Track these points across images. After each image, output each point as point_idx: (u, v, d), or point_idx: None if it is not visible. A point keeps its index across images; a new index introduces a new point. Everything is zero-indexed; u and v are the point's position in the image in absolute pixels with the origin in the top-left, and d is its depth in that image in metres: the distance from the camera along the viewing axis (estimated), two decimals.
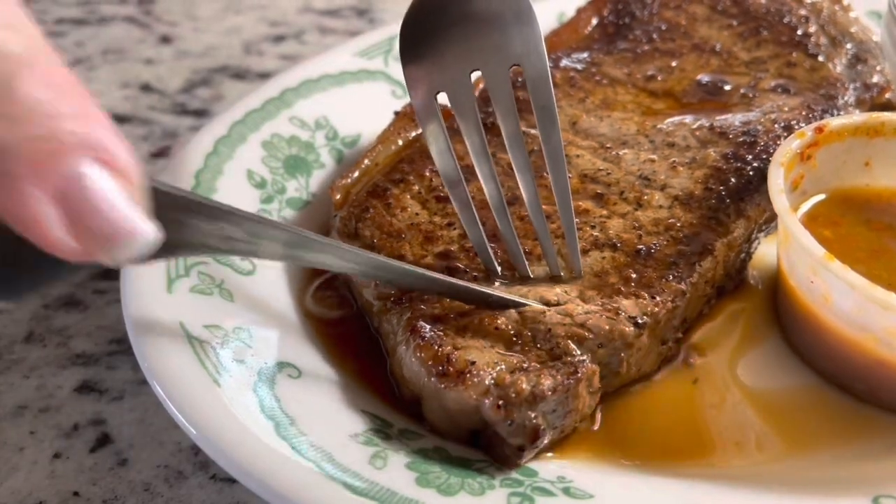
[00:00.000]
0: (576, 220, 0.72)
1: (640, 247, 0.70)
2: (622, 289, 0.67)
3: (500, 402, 0.59)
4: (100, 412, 0.73)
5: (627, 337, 0.64)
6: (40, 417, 0.73)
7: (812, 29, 0.92)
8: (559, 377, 0.60)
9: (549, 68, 0.65)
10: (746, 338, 0.74)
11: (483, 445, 0.62)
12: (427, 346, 0.62)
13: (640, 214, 0.73)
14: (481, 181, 0.67)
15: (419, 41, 0.66)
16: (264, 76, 1.21)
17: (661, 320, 0.66)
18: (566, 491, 0.59)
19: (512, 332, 0.63)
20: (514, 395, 0.59)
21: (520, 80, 0.79)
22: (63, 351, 0.79)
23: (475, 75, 0.67)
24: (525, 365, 0.61)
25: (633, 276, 0.68)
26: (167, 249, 0.50)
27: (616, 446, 0.65)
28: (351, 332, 0.72)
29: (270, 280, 0.73)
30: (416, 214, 0.74)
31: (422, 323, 0.64)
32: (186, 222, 0.53)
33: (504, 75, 0.65)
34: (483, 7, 0.65)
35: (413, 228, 0.73)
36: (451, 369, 0.60)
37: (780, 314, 0.74)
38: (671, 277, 0.68)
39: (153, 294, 0.66)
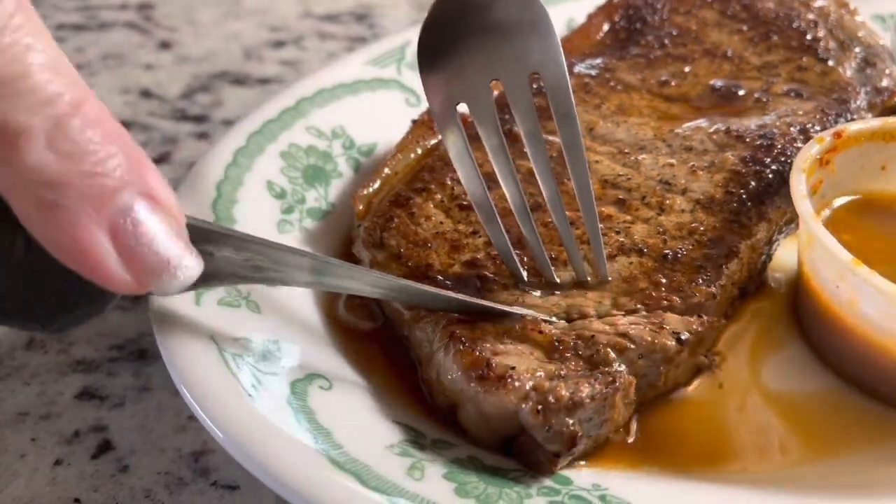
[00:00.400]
0: (600, 225, 0.73)
1: (667, 251, 0.71)
2: (653, 294, 0.68)
3: (539, 408, 0.59)
4: (101, 419, 0.73)
5: (669, 351, 0.64)
6: (41, 424, 0.73)
7: (821, 33, 0.93)
8: (598, 386, 0.61)
9: (568, 77, 0.65)
10: (768, 341, 0.74)
11: (516, 452, 0.63)
12: (467, 351, 0.62)
13: (664, 219, 0.74)
14: (503, 186, 0.67)
15: (437, 50, 0.66)
16: (264, 82, 1.21)
17: (704, 338, 0.67)
18: (602, 499, 0.60)
19: (554, 338, 0.64)
20: (553, 401, 0.59)
21: (539, 86, 0.79)
22: (64, 357, 0.79)
23: (494, 84, 0.67)
24: (563, 373, 0.61)
25: (663, 280, 0.69)
26: (201, 280, 0.52)
27: (647, 452, 0.65)
28: (378, 343, 0.72)
29: (296, 292, 0.72)
30: (441, 223, 0.74)
31: (460, 329, 0.64)
32: (217, 254, 0.56)
33: (524, 83, 0.66)
34: (501, 17, 0.65)
35: (439, 237, 0.73)
36: (491, 374, 0.60)
37: (802, 317, 0.75)
38: (700, 281, 0.69)
39: (182, 307, 0.65)
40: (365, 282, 0.63)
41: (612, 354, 0.63)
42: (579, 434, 0.60)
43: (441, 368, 0.64)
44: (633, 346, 0.63)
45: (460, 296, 0.65)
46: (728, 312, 0.75)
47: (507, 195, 0.68)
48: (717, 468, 0.65)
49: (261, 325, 0.67)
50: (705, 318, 0.67)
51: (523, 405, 0.59)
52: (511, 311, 0.66)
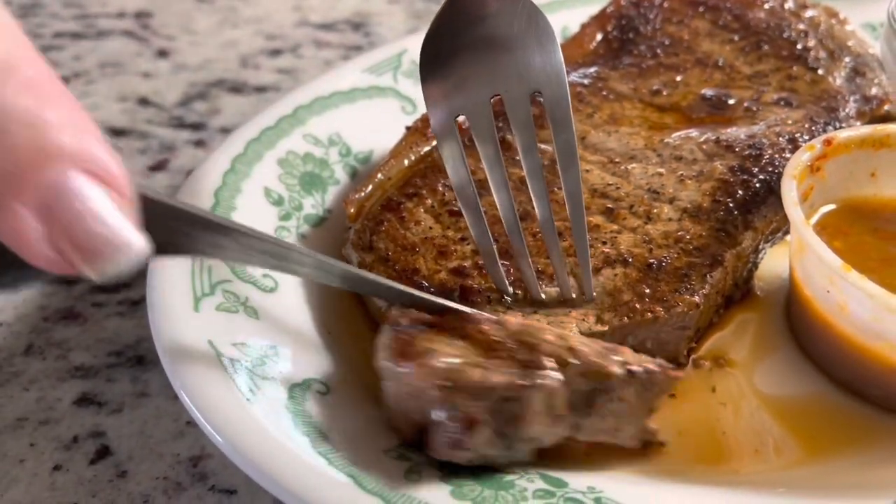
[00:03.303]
0: (588, 237, 0.73)
1: (652, 260, 0.72)
2: (637, 306, 0.68)
3: (446, 384, 0.58)
4: (99, 424, 0.74)
5: (612, 377, 0.62)
6: (40, 430, 0.73)
7: (811, 43, 0.94)
8: (516, 380, 0.59)
9: (569, 97, 0.65)
10: (760, 346, 0.75)
11: (426, 443, 0.61)
12: (398, 335, 0.61)
13: (650, 228, 0.75)
14: (496, 199, 0.67)
15: (439, 61, 0.66)
16: (261, 90, 1.22)
17: (656, 383, 0.64)
18: (598, 501, 0.60)
19: (493, 338, 0.62)
20: (461, 381, 0.58)
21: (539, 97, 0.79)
22: (62, 363, 0.79)
23: (495, 100, 0.66)
24: (487, 366, 0.60)
25: (647, 291, 0.69)
26: (161, 251, 0.51)
27: (642, 455, 0.66)
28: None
29: (293, 297, 0.73)
30: (430, 228, 0.75)
31: (402, 318, 0.63)
32: (180, 230, 0.54)
33: (524, 101, 0.65)
34: (505, 30, 0.65)
35: (427, 242, 0.74)
36: (411, 352, 0.60)
37: (794, 323, 0.76)
38: (684, 290, 0.70)
39: (181, 313, 0.66)
40: (323, 269, 0.62)
41: (550, 364, 0.60)
42: (479, 419, 0.58)
43: (376, 350, 0.63)
44: (576, 363, 0.61)
45: (406, 288, 0.65)
46: (714, 320, 0.76)
47: (500, 209, 0.68)
48: (712, 470, 0.66)
49: (258, 330, 0.68)
50: (661, 361, 0.65)
51: (433, 382, 0.58)
52: (463, 309, 0.64)
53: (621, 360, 0.63)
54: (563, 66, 0.65)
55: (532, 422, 0.60)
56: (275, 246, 0.60)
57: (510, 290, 0.69)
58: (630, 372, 0.63)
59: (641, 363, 0.64)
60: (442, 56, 0.66)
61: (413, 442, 0.62)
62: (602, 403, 0.63)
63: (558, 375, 0.60)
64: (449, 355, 0.60)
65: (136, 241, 0.45)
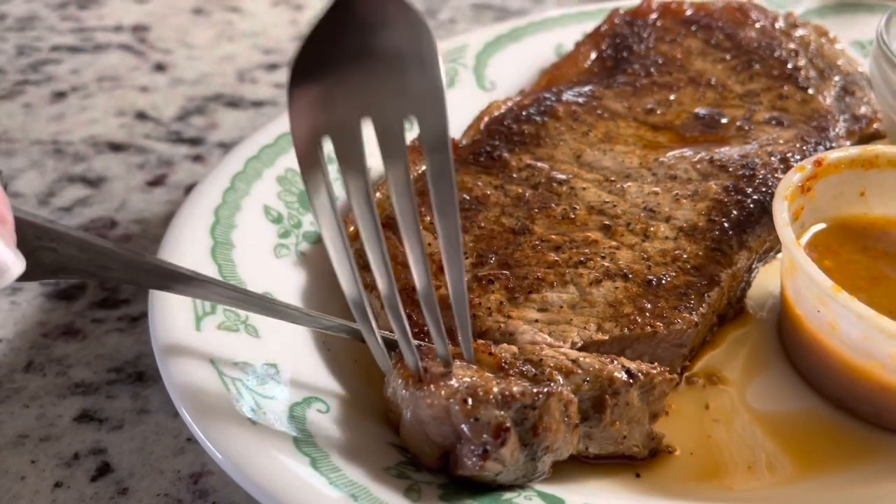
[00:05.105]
0: (585, 250, 0.75)
1: (651, 277, 0.73)
2: (638, 319, 0.70)
3: (468, 399, 0.59)
4: (100, 441, 0.74)
5: (615, 381, 0.64)
6: (41, 446, 0.74)
7: (801, 62, 0.96)
8: (532, 388, 0.61)
9: (447, 125, 0.56)
10: (753, 363, 0.77)
11: (452, 465, 0.61)
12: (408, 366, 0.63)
13: (648, 245, 0.76)
14: (366, 248, 0.59)
15: (309, 74, 0.56)
16: (258, 104, 1.23)
17: (656, 385, 0.66)
18: None
19: (502, 360, 0.64)
20: (482, 393, 0.59)
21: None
22: (63, 380, 0.80)
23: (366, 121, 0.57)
24: (502, 383, 0.61)
25: (648, 306, 0.71)
26: (48, 273, 0.54)
27: (637, 471, 0.67)
28: (375, 366, 0.73)
29: None
30: (429, 245, 0.76)
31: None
32: (62, 251, 0.56)
33: (397, 127, 0.56)
34: (384, 43, 0.56)
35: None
36: (427, 377, 0.61)
37: (786, 341, 0.77)
38: (683, 308, 0.71)
39: (182, 332, 0.67)
40: (213, 292, 0.63)
41: (557, 375, 0.63)
42: (507, 425, 0.59)
43: (387, 383, 0.65)
44: (579, 371, 0.64)
45: (314, 313, 0.65)
46: (707, 338, 0.77)
47: (369, 255, 0.59)
48: (706, 486, 0.67)
49: (259, 349, 0.69)
50: (659, 366, 0.67)
51: (452, 401, 0.59)
52: (376, 335, 0.63)
53: (620, 365, 0.65)
54: (443, 88, 0.56)
55: (551, 429, 0.62)
56: (165, 268, 0.61)
57: (388, 364, 0.65)
58: (630, 374, 0.65)
59: (639, 367, 0.66)
60: (312, 68, 0.56)
61: (437, 466, 0.63)
62: (610, 408, 0.65)
63: (568, 384, 0.63)
64: (464, 375, 0.62)
65: (15, 265, 0.48)
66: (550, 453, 0.62)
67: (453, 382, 0.60)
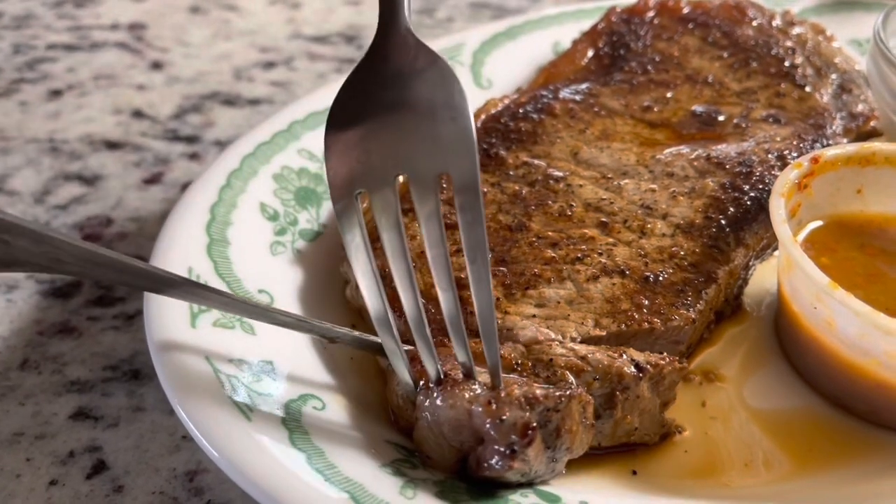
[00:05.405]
0: (582, 246, 0.75)
1: (648, 274, 0.73)
2: (635, 315, 0.69)
3: (492, 401, 0.59)
4: (95, 439, 0.74)
5: (625, 377, 0.65)
6: (36, 444, 0.74)
7: (798, 60, 0.96)
8: (553, 391, 0.61)
9: (478, 175, 0.58)
10: (749, 361, 0.77)
11: (473, 468, 0.61)
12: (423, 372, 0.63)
13: (645, 242, 0.76)
14: (400, 295, 0.61)
15: (346, 122, 0.59)
16: (255, 102, 1.23)
17: (665, 375, 0.67)
18: None
19: (513, 361, 0.65)
20: (505, 395, 0.60)
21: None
22: (58, 378, 0.80)
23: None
24: (519, 384, 0.62)
25: (645, 302, 0.71)
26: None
27: (633, 468, 0.67)
28: (371, 364, 0.73)
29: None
30: (420, 245, 0.76)
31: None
32: (14, 243, 0.55)
33: (432, 188, 0.59)
34: (416, 93, 0.59)
35: (421, 258, 0.75)
36: (445, 380, 0.61)
37: (783, 338, 0.77)
38: (681, 305, 0.71)
39: (178, 329, 0.67)
40: (180, 290, 0.61)
41: (569, 375, 0.64)
42: (533, 424, 0.59)
43: (399, 387, 0.65)
44: (589, 369, 0.64)
45: (294, 315, 0.65)
46: (704, 335, 0.77)
47: (404, 305, 0.61)
48: (703, 483, 0.67)
49: (255, 346, 0.68)
50: (667, 356, 0.67)
51: (475, 404, 0.60)
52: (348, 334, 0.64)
53: (628, 359, 0.65)
54: (475, 139, 0.58)
55: (572, 431, 0.62)
56: (120, 262, 0.59)
57: (410, 384, 0.64)
58: (639, 367, 0.65)
59: (647, 358, 0.66)
60: (351, 111, 0.59)
61: (455, 470, 0.63)
62: (621, 403, 0.65)
63: (580, 384, 0.63)
64: (482, 378, 0.62)
65: None
66: (569, 453, 0.63)
67: (475, 386, 0.61)
